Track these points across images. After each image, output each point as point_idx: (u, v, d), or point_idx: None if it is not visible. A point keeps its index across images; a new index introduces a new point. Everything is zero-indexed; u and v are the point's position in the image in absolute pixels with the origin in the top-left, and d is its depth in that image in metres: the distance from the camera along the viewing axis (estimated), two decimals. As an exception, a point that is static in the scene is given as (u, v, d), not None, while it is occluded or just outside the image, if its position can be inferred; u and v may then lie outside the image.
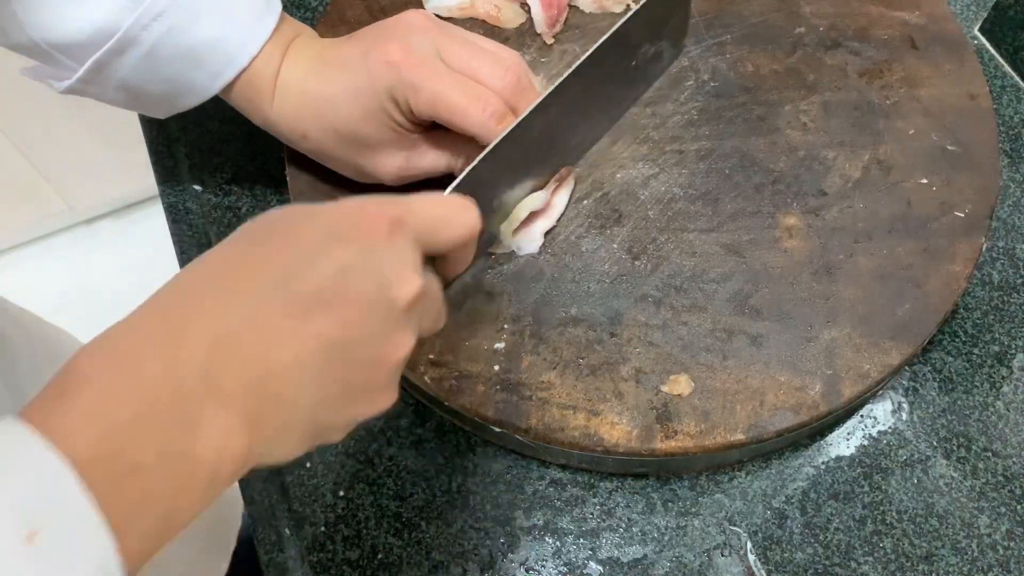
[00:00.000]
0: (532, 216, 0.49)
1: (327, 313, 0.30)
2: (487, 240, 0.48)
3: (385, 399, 0.33)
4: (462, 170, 0.48)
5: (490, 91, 0.43)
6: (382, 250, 0.32)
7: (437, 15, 0.57)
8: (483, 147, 0.44)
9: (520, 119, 0.43)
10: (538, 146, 0.46)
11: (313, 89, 0.45)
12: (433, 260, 0.37)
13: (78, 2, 0.42)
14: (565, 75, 0.44)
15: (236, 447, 0.28)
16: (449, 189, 0.39)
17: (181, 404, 0.27)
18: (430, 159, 0.47)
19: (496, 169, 0.43)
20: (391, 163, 0.47)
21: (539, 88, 0.47)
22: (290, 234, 0.31)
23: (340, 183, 0.50)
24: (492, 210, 0.46)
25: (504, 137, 0.42)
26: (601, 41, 0.44)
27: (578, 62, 0.44)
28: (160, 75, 0.45)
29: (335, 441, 0.33)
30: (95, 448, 0.25)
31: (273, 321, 0.29)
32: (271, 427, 0.29)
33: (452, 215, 0.36)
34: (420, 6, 0.58)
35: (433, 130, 0.47)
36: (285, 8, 0.66)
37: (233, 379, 0.28)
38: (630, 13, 0.46)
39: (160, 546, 0.27)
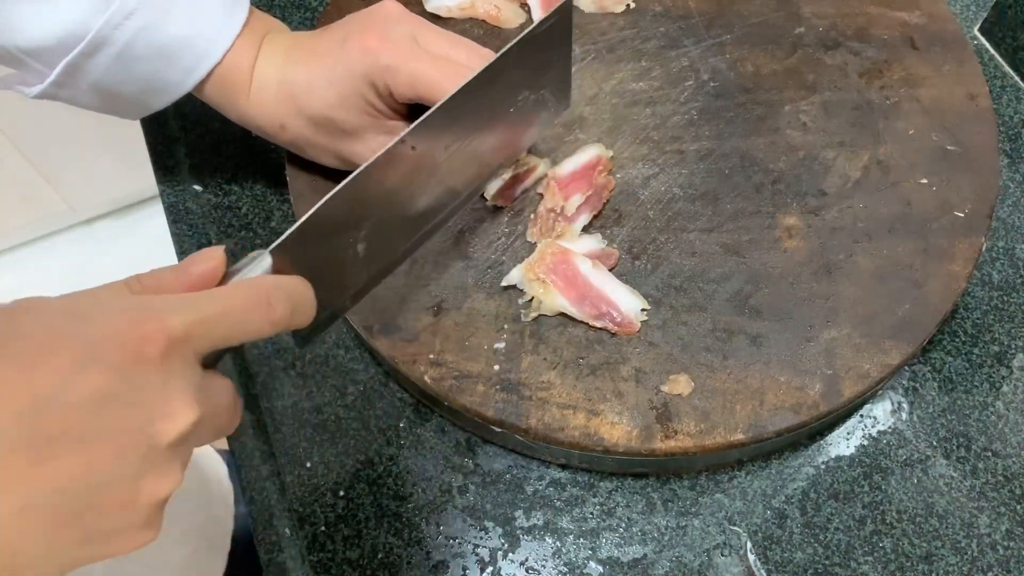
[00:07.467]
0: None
1: (71, 453, 0.26)
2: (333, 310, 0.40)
3: (142, 538, 0.29)
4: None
5: (467, 68, 0.43)
6: (150, 376, 0.27)
7: (437, 15, 0.57)
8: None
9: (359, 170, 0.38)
10: (392, 199, 0.41)
11: (290, 77, 0.46)
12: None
13: (48, 5, 0.42)
14: (431, 110, 0.40)
15: None
16: (273, 245, 0.34)
17: None
18: None
19: (342, 223, 0.38)
20: (369, 149, 0.47)
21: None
22: (44, 350, 0.26)
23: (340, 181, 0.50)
24: (336, 273, 0.39)
25: (350, 182, 0.37)
26: (469, 79, 0.41)
27: (445, 98, 0.40)
28: (133, 74, 0.45)
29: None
30: None
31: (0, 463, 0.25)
32: None
33: (252, 311, 0.31)
34: (420, 4, 0.58)
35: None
36: (286, 8, 0.66)
37: None
38: (501, 52, 0.42)
39: None
